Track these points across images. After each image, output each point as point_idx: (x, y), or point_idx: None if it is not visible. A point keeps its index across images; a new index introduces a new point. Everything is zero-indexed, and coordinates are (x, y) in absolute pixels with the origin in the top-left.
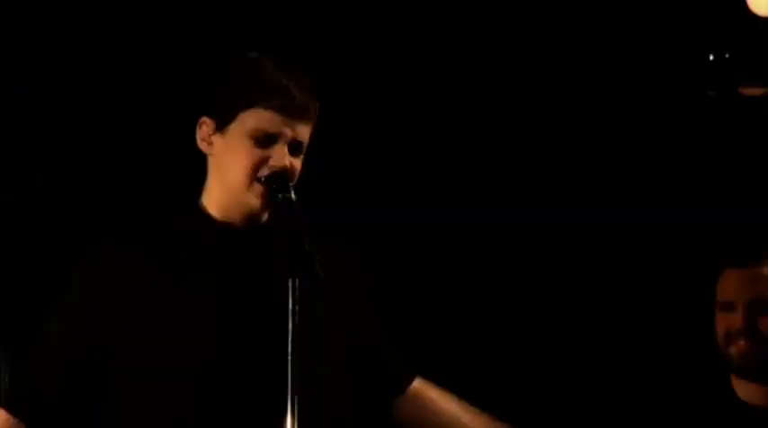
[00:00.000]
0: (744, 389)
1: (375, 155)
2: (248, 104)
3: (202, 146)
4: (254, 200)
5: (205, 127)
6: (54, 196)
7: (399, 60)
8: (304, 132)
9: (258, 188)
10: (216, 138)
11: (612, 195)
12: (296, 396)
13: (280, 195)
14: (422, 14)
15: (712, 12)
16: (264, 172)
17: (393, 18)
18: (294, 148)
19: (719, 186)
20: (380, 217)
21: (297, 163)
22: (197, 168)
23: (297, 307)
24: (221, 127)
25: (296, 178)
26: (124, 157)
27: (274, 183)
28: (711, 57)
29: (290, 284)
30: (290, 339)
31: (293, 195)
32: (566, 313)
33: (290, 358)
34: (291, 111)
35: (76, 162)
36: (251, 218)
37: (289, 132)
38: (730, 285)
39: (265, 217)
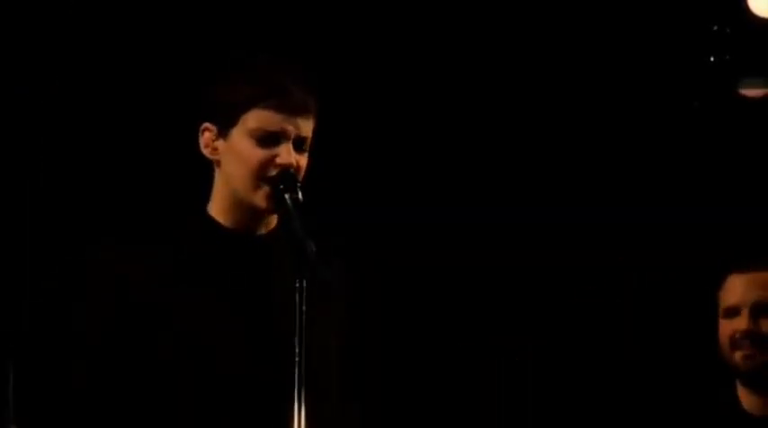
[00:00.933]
0: (748, 400)
1: (375, 155)
2: (248, 106)
3: (206, 152)
4: (261, 202)
5: (207, 133)
6: (54, 196)
7: (400, 61)
8: (306, 127)
9: (265, 190)
10: (219, 144)
11: (612, 195)
12: (302, 397)
13: (287, 196)
14: (422, 15)
15: (713, 13)
16: (272, 172)
17: (393, 19)
18: (298, 145)
19: (720, 186)
20: (380, 217)
21: (302, 160)
22: (198, 170)
23: (304, 308)
24: (223, 132)
25: (302, 175)
26: (124, 157)
27: (281, 184)
28: (712, 59)
29: (296, 286)
30: (296, 341)
31: (300, 196)
32: (566, 314)
33: (296, 359)
34: (291, 108)
35: (76, 162)
36: (259, 222)
37: (291, 129)
38: (734, 290)
39: (274, 222)
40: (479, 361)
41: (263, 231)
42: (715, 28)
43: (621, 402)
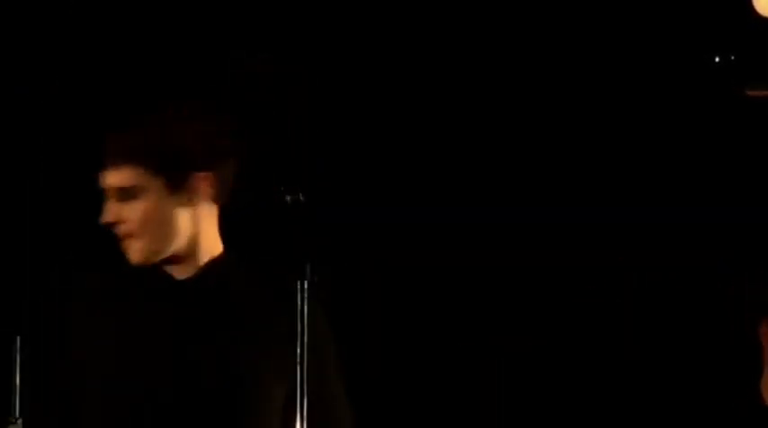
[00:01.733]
0: None
1: (375, 155)
2: None
3: None
4: (127, 255)
5: None
6: (54, 196)
7: (400, 61)
8: (116, 177)
9: (123, 245)
10: None
11: (612, 195)
12: (305, 402)
13: (288, 197)
14: (422, 15)
15: (717, 13)
16: (112, 229)
17: (392, 18)
18: (122, 196)
19: (720, 186)
20: (380, 217)
21: (129, 210)
22: None
23: (306, 309)
24: None
25: (135, 226)
26: None
27: (282, 185)
28: (717, 59)
29: (298, 287)
30: (298, 343)
31: (302, 197)
32: (566, 314)
33: (298, 360)
34: (108, 162)
35: (76, 162)
36: (171, 267)
37: (107, 183)
38: None
39: (194, 271)
40: (479, 361)
41: (183, 276)
42: (719, 28)
43: (621, 402)
